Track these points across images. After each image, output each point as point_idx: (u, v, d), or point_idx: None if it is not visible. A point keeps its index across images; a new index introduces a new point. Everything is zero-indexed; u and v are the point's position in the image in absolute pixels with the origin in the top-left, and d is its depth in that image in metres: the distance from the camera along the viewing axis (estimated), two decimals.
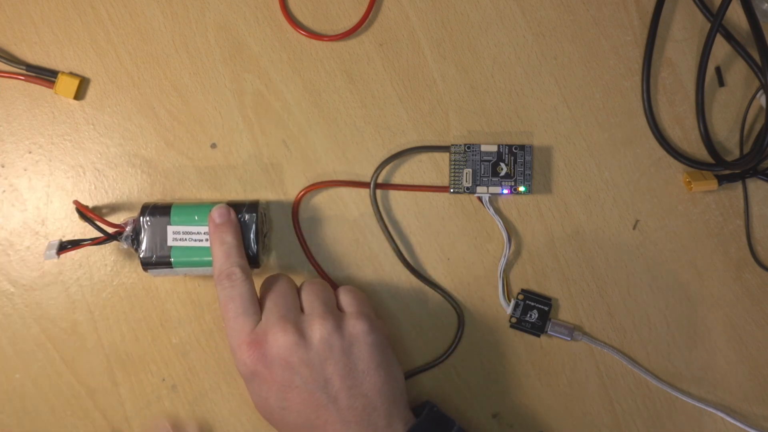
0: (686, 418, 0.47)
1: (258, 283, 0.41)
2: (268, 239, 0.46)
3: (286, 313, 0.39)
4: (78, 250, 0.43)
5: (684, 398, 0.46)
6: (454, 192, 0.45)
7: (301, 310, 0.40)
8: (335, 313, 0.40)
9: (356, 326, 0.39)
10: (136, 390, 0.46)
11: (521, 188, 0.45)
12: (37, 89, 0.45)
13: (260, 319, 0.39)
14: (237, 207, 0.42)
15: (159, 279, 0.46)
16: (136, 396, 0.46)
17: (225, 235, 0.41)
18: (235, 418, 0.46)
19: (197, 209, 0.42)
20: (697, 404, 0.46)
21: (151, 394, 0.46)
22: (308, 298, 0.41)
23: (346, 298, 0.42)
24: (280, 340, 0.38)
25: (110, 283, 0.46)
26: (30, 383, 0.45)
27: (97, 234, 0.42)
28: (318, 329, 0.38)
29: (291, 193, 0.46)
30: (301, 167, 0.46)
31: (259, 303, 0.40)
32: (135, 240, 0.42)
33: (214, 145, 0.46)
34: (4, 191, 0.45)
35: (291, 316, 0.39)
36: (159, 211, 0.42)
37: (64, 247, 0.42)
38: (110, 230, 0.42)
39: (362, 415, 0.38)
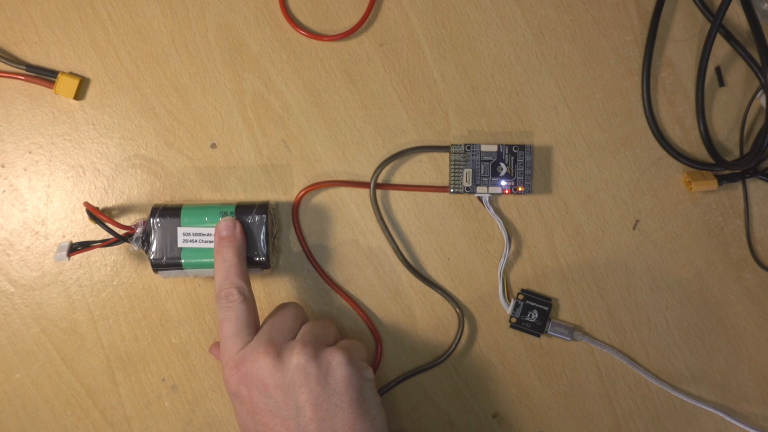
0: (686, 418, 0.47)
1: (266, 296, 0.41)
2: (278, 240, 0.46)
3: (276, 337, 0.39)
4: (88, 251, 0.43)
5: (684, 398, 0.46)
6: (454, 192, 0.45)
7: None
8: (320, 343, 0.39)
9: (334, 357, 0.38)
10: (136, 390, 0.46)
11: (521, 188, 0.45)
12: (37, 89, 0.45)
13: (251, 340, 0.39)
14: (247, 208, 0.42)
15: (159, 279, 0.46)
16: (136, 396, 0.46)
17: (227, 251, 0.41)
18: (235, 418, 0.46)
19: (207, 211, 0.42)
20: (697, 404, 0.46)
21: (151, 394, 0.46)
22: (305, 329, 0.41)
23: (342, 342, 0.41)
24: (259, 361, 0.38)
25: (110, 283, 0.46)
26: (30, 383, 0.45)
27: (106, 235, 0.42)
28: (296, 355, 0.38)
29: (291, 193, 0.46)
30: (301, 167, 0.46)
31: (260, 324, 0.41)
32: (145, 242, 0.42)
33: (214, 145, 0.46)
34: (4, 191, 0.45)
35: (279, 340, 0.39)
36: (169, 212, 0.42)
37: (75, 248, 0.42)
38: (120, 232, 0.42)
39: None
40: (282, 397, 0.37)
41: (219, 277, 0.41)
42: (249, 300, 0.40)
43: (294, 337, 0.40)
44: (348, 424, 0.38)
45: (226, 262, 0.41)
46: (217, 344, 0.45)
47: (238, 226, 0.42)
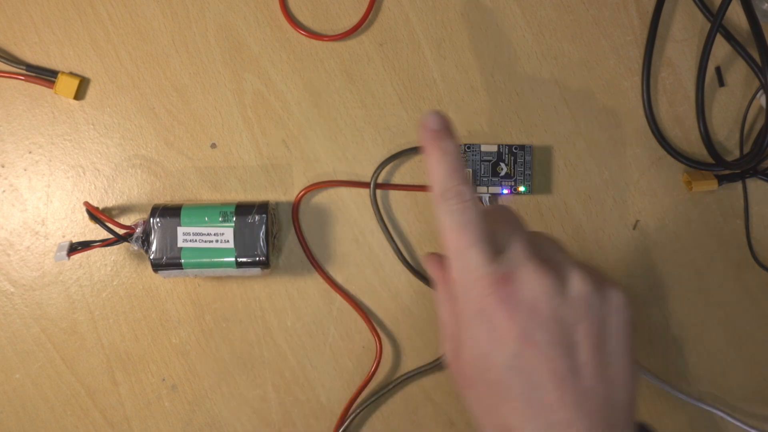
0: (686, 418, 0.47)
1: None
2: (278, 240, 0.46)
3: (536, 251, 0.32)
4: (88, 251, 0.43)
5: (684, 398, 0.46)
6: None
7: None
8: (592, 272, 0.32)
9: (618, 293, 0.32)
10: (136, 390, 0.46)
11: (521, 188, 0.45)
12: (37, 89, 0.45)
13: (499, 253, 0.32)
14: (247, 208, 0.42)
15: (159, 279, 0.46)
16: (136, 396, 0.46)
17: (446, 143, 0.32)
18: (235, 418, 0.46)
19: (207, 210, 0.42)
20: (697, 404, 0.46)
21: (151, 394, 0.46)
22: (545, 243, 0.33)
23: (591, 268, 0.33)
24: (534, 281, 0.30)
25: (110, 283, 0.46)
26: (30, 383, 0.45)
27: (106, 235, 0.42)
28: (579, 282, 0.31)
29: (291, 193, 0.46)
30: (301, 167, 0.46)
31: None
32: (145, 241, 0.42)
33: (214, 145, 0.46)
34: (4, 191, 0.45)
35: (552, 259, 0.32)
36: (169, 212, 0.42)
37: (75, 248, 0.42)
38: (120, 232, 0.42)
39: (603, 406, 0.30)
40: (557, 330, 0.30)
41: (441, 173, 0.32)
42: (481, 203, 0.33)
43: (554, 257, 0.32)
44: (622, 377, 0.31)
45: (449, 154, 0.32)
46: (435, 256, 0.36)
47: (450, 121, 0.33)
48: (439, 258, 0.35)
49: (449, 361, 0.34)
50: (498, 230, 0.33)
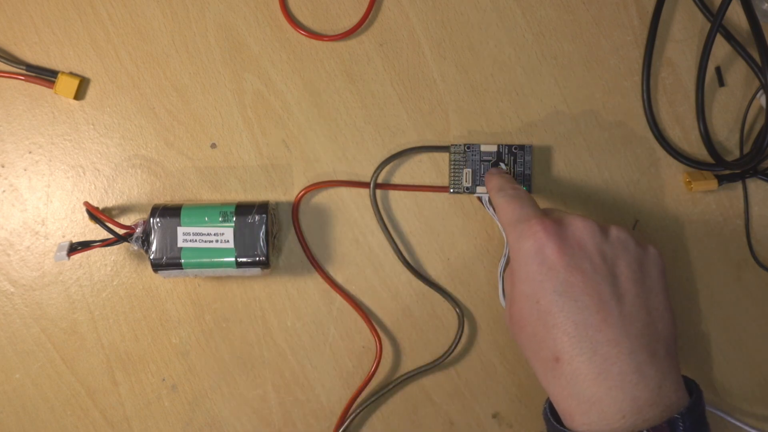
0: None
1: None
2: (278, 240, 0.46)
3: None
4: (88, 251, 0.43)
5: None
6: (454, 192, 0.45)
7: None
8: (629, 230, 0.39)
9: (654, 250, 0.38)
10: (136, 390, 0.46)
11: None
12: (37, 89, 0.45)
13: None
14: (247, 208, 0.42)
15: (159, 279, 0.46)
16: (136, 396, 0.46)
17: (505, 185, 0.42)
18: (235, 418, 0.46)
19: (207, 210, 0.42)
20: None
21: (151, 394, 0.46)
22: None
23: None
24: (579, 223, 0.36)
25: (110, 283, 0.46)
26: (30, 383, 0.45)
27: (106, 235, 0.42)
28: (618, 230, 0.37)
29: (291, 193, 0.46)
30: (301, 167, 0.46)
31: None
32: (145, 241, 0.42)
33: (214, 145, 0.46)
34: (4, 191, 0.45)
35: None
36: (169, 212, 0.42)
37: (75, 248, 0.42)
38: (120, 232, 0.42)
39: (643, 333, 0.35)
40: (600, 261, 0.35)
41: (498, 180, 0.42)
42: None
43: None
44: (660, 309, 0.36)
45: (505, 174, 0.43)
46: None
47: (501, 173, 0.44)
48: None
49: (506, 314, 0.39)
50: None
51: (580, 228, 0.36)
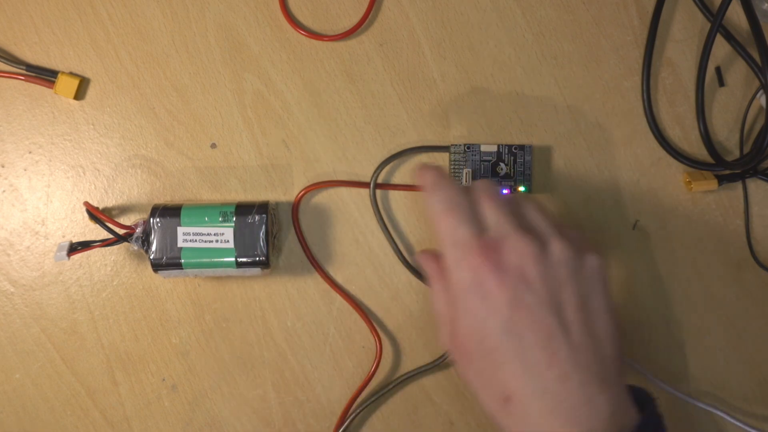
0: (686, 418, 0.47)
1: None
2: (278, 240, 0.46)
3: (519, 221, 0.35)
4: (88, 251, 0.43)
5: (684, 398, 0.46)
6: None
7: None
8: (572, 237, 0.36)
9: (594, 259, 0.35)
10: (136, 390, 0.46)
11: (521, 188, 0.45)
12: (37, 89, 0.45)
13: (485, 228, 0.35)
14: (247, 208, 0.42)
15: (159, 279, 0.46)
16: (136, 396, 0.46)
17: (435, 170, 0.38)
18: (235, 418, 0.46)
19: (207, 210, 0.42)
20: (697, 404, 0.46)
21: (151, 394, 0.46)
22: (527, 211, 0.37)
23: (571, 233, 0.37)
24: (520, 248, 0.33)
25: (110, 283, 0.46)
26: (30, 383, 0.45)
27: (106, 235, 0.42)
28: (559, 246, 0.34)
29: (291, 193, 0.46)
30: (301, 167, 0.46)
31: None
32: (145, 241, 0.42)
33: (214, 145, 0.46)
34: (4, 191, 0.45)
35: (525, 224, 0.35)
36: (169, 212, 0.42)
37: (75, 248, 0.42)
38: (120, 232, 0.42)
39: (593, 361, 0.33)
40: (544, 291, 0.33)
41: (430, 175, 0.37)
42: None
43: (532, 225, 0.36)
44: (608, 332, 0.34)
45: (437, 168, 0.38)
46: (427, 251, 0.39)
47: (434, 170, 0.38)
48: (431, 253, 0.38)
49: (447, 344, 0.36)
50: (482, 206, 0.36)
51: (521, 253, 0.34)
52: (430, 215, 0.36)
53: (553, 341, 0.33)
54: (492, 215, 0.35)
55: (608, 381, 0.33)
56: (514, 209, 0.36)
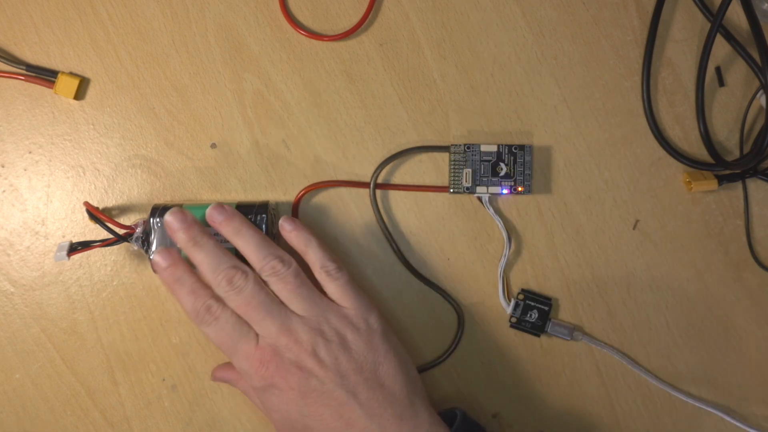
0: (686, 418, 0.47)
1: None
2: (278, 240, 0.46)
3: (284, 321, 0.39)
4: (88, 251, 0.43)
5: (684, 398, 0.46)
6: (453, 192, 0.45)
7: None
8: (330, 304, 0.40)
9: (341, 317, 0.39)
10: (136, 390, 0.46)
11: (521, 188, 0.45)
12: (37, 89, 0.45)
13: (256, 333, 0.39)
14: (247, 208, 0.42)
15: (159, 279, 0.46)
16: (136, 396, 0.46)
17: (181, 269, 0.40)
18: (235, 418, 0.46)
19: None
20: (697, 404, 0.46)
21: (151, 394, 0.46)
22: (289, 294, 0.40)
23: (336, 290, 0.41)
24: (291, 346, 0.38)
25: (110, 283, 0.46)
26: (30, 383, 0.45)
27: (106, 235, 0.42)
28: (331, 318, 0.39)
29: (291, 193, 0.46)
30: (301, 167, 0.46)
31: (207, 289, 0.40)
32: (145, 241, 0.42)
33: (214, 145, 0.46)
34: (4, 191, 0.45)
35: (284, 318, 0.39)
36: None
37: (75, 248, 0.42)
38: (120, 232, 0.42)
39: (384, 406, 0.38)
40: (325, 372, 0.38)
41: (186, 302, 0.40)
42: (228, 308, 0.40)
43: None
44: (392, 369, 0.39)
45: (184, 279, 0.40)
46: (220, 367, 0.44)
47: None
48: (222, 366, 0.44)
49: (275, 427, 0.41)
50: (250, 316, 0.39)
51: (298, 348, 0.38)
52: (208, 338, 0.40)
53: (345, 408, 0.38)
54: (260, 323, 0.39)
55: (405, 416, 0.38)
56: (278, 311, 0.39)
